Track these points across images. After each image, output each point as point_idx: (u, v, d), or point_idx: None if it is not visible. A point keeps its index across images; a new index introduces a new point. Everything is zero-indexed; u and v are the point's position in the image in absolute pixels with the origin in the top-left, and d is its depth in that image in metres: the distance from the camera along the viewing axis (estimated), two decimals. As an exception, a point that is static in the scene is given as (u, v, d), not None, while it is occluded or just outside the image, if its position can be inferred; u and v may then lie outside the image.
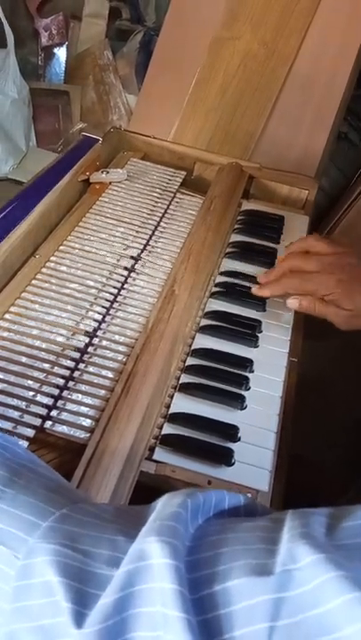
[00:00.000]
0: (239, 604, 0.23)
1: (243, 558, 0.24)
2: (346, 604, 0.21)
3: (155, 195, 0.78)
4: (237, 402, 0.54)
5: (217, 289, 0.66)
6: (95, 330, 0.57)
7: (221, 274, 0.69)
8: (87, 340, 0.55)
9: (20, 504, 0.29)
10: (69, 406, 0.49)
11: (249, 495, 0.47)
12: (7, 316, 0.56)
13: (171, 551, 0.24)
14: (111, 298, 0.61)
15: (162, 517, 0.27)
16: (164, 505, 0.28)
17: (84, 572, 0.26)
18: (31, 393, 0.50)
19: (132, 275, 0.65)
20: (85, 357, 0.54)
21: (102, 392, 0.51)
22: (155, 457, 0.48)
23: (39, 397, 0.49)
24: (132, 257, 0.67)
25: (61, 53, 1.62)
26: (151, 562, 0.24)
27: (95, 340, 0.56)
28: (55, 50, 1.61)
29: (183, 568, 0.24)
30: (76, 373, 0.52)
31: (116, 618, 0.24)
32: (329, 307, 0.59)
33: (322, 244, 0.62)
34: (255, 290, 0.64)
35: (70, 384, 0.51)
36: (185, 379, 0.55)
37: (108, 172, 0.78)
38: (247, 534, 0.26)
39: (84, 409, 0.49)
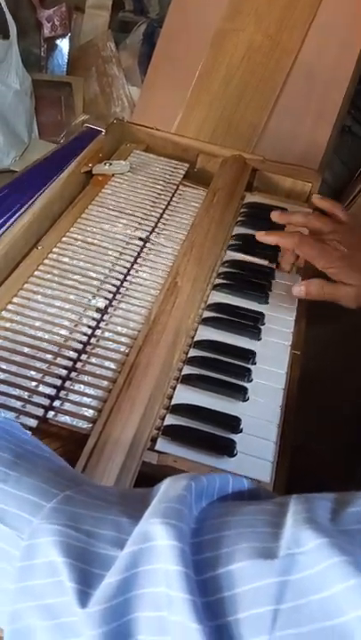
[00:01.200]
0: (243, 586, 0.23)
1: (246, 541, 0.24)
2: (349, 589, 0.21)
3: (158, 187, 0.78)
4: (240, 393, 0.54)
5: (220, 281, 0.66)
6: (98, 321, 0.57)
7: (224, 266, 0.69)
8: (90, 331, 0.55)
9: (24, 486, 0.30)
10: (72, 397, 0.49)
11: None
12: (10, 307, 0.56)
13: (175, 533, 0.24)
14: (114, 289, 0.61)
15: (166, 500, 0.27)
16: (168, 487, 0.28)
17: (88, 553, 0.26)
18: (34, 383, 0.50)
19: (135, 266, 0.65)
20: (88, 348, 0.54)
21: (105, 383, 0.51)
22: (157, 447, 0.49)
23: (42, 388, 0.50)
24: (134, 249, 0.67)
25: (64, 45, 1.61)
26: (156, 543, 0.25)
27: (98, 332, 0.56)
28: (58, 41, 1.61)
29: (188, 550, 0.24)
30: (79, 364, 0.52)
31: (120, 598, 0.24)
32: (338, 287, 0.59)
33: (340, 210, 0.63)
34: (260, 235, 0.64)
35: (73, 375, 0.51)
36: (187, 370, 0.56)
37: (110, 164, 0.78)
38: (251, 517, 0.26)
39: (86, 399, 0.49)
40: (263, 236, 0.65)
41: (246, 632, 0.22)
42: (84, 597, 0.25)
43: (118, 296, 0.60)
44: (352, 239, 0.61)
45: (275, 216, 0.68)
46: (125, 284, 0.62)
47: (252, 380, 0.56)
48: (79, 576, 0.25)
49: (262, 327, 0.62)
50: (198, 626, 0.22)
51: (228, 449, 0.49)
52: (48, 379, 0.50)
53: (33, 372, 0.51)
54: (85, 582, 0.25)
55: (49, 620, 0.26)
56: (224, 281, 0.66)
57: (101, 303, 0.59)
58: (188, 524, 0.26)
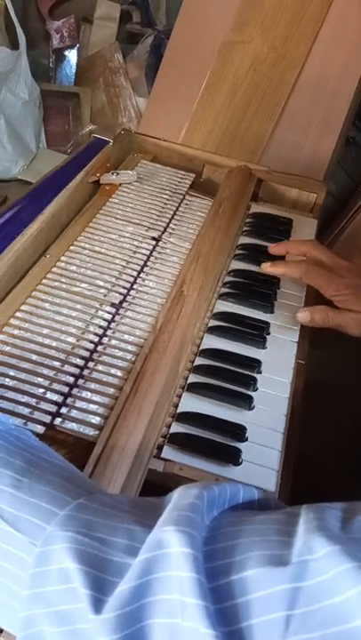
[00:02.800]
0: (256, 593, 0.23)
1: (259, 549, 0.24)
2: None
3: (164, 196, 0.79)
4: (245, 402, 0.54)
5: (225, 290, 0.67)
6: (105, 329, 0.57)
7: (230, 275, 0.70)
8: (96, 339, 0.56)
9: (37, 493, 0.30)
10: (79, 404, 0.50)
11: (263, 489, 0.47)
12: (18, 314, 0.57)
13: (188, 540, 0.25)
14: (121, 298, 0.61)
15: (179, 508, 0.27)
16: (181, 496, 0.28)
17: (102, 560, 0.26)
18: (41, 390, 0.50)
19: (142, 275, 0.65)
20: (95, 356, 0.54)
21: (111, 390, 0.51)
22: (163, 455, 0.49)
23: (49, 395, 0.50)
24: (141, 258, 0.67)
25: (72, 55, 1.63)
26: (169, 550, 0.25)
27: (105, 340, 0.56)
28: (66, 52, 1.62)
29: (201, 557, 0.25)
30: (86, 372, 0.53)
31: (134, 605, 0.24)
32: (342, 314, 0.59)
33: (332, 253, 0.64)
34: (266, 267, 0.65)
35: (80, 382, 0.52)
36: (193, 378, 0.56)
37: (118, 174, 0.79)
38: (263, 526, 0.26)
39: (93, 407, 0.50)
40: (269, 268, 0.65)
41: (259, 638, 0.22)
42: (97, 604, 0.25)
43: (125, 304, 0.61)
44: (355, 268, 0.62)
45: (273, 249, 0.68)
46: (132, 292, 0.63)
47: (257, 389, 0.56)
48: (93, 583, 0.26)
49: (268, 336, 0.62)
50: (211, 632, 0.22)
51: (233, 457, 0.49)
52: (55, 386, 0.51)
53: (40, 379, 0.51)
54: (99, 589, 0.25)
55: (62, 627, 0.26)
56: (230, 290, 0.67)
57: (108, 311, 0.59)
58: (200, 532, 0.26)
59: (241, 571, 0.24)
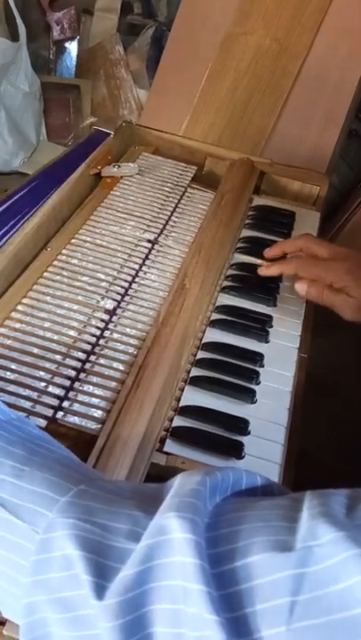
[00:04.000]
0: (260, 579, 0.23)
1: (263, 535, 0.24)
2: None
3: (166, 189, 0.78)
4: (248, 396, 0.54)
5: (228, 283, 0.67)
6: (106, 322, 0.57)
7: (232, 268, 0.69)
8: (98, 332, 0.56)
9: (38, 481, 0.30)
10: (81, 397, 0.50)
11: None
12: (19, 307, 0.57)
13: (191, 526, 0.25)
14: (122, 291, 0.61)
15: (181, 494, 0.27)
16: (183, 482, 0.28)
17: (104, 546, 0.26)
18: (43, 384, 0.50)
19: (144, 268, 0.65)
20: (97, 350, 0.54)
21: (113, 384, 0.51)
22: (165, 449, 0.49)
23: (51, 388, 0.50)
24: (143, 251, 0.67)
25: (73, 47, 1.62)
26: (171, 536, 0.25)
27: (106, 333, 0.56)
28: (67, 44, 1.61)
29: (203, 543, 0.24)
30: (88, 365, 0.52)
31: (136, 590, 0.24)
32: (337, 295, 0.59)
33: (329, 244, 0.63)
34: (262, 270, 0.65)
35: (82, 376, 0.52)
36: (195, 372, 0.56)
37: (119, 166, 0.78)
38: (266, 512, 0.26)
39: (95, 400, 0.50)
40: (265, 271, 0.65)
41: (263, 623, 0.22)
42: (100, 590, 0.25)
43: (127, 298, 0.61)
44: (353, 253, 0.61)
45: (268, 253, 0.67)
46: (134, 285, 0.62)
47: (260, 383, 0.56)
48: (95, 569, 0.26)
49: (270, 330, 0.62)
50: (215, 617, 0.22)
51: (236, 451, 0.49)
52: (57, 379, 0.51)
53: (42, 373, 0.51)
54: (101, 575, 0.25)
55: (65, 613, 0.26)
56: (232, 283, 0.67)
57: (110, 304, 0.59)
58: (202, 518, 0.26)
59: (245, 557, 0.24)
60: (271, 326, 0.62)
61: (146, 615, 0.24)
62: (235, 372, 0.56)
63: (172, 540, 0.25)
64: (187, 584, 0.24)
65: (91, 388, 0.51)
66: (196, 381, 0.55)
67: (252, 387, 0.55)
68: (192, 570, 0.24)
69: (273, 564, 0.23)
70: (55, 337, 0.54)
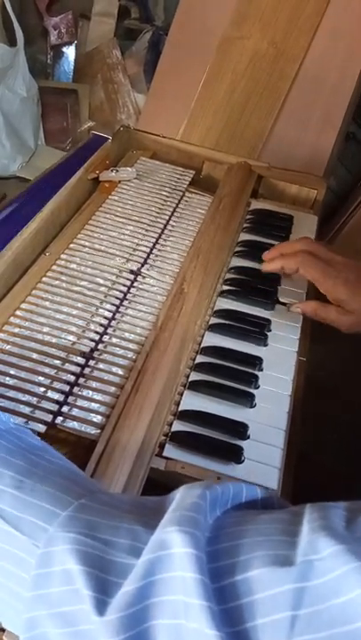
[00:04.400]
0: (261, 593, 0.23)
1: (263, 549, 0.24)
2: None
3: (164, 193, 0.79)
4: (247, 400, 0.54)
5: (226, 287, 0.67)
6: (105, 327, 0.57)
7: (230, 272, 0.69)
8: (97, 337, 0.56)
9: (39, 493, 0.30)
10: (80, 402, 0.50)
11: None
12: (18, 312, 0.57)
13: (192, 541, 0.25)
14: (121, 296, 0.61)
15: (182, 508, 0.27)
16: (183, 496, 0.28)
17: (105, 561, 0.26)
18: (42, 389, 0.50)
19: (142, 273, 0.65)
20: (95, 354, 0.54)
21: (112, 389, 0.51)
22: (165, 454, 0.49)
23: (50, 393, 0.50)
24: (141, 255, 0.67)
25: (70, 52, 1.63)
26: (172, 551, 0.25)
27: (105, 338, 0.56)
28: (64, 48, 1.62)
29: (204, 558, 0.24)
30: (87, 370, 0.52)
31: (137, 606, 0.24)
32: (331, 312, 0.59)
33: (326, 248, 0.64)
34: (265, 266, 0.65)
35: (81, 381, 0.52)
36: (194, 376, 0.56)
37: (117, 171, 0.79)
38: (266, 526, 0.26)
39: (94, 405, 0.50)
40: (267, 266, 0.65)
41: (264, 638, 0.22)
42: (101, 605, 0.25)
43: (125, 302, 0.61)
44: (351, 265, 0.61)
45: (267, 256, 0.66)
46: (132, 290, 0.62)
47: (259, 387, 0.56)
48: (96, 584, 0.25)
49: (269, 334, 0.62)
50: (216, 632, 0.22)
51: (235, 455, 0.49)
52: (56, 384, 0.51)
53: (41, 378, 0.51)
54: (102, 590, 0.25)
55: (66, 628, 0.26)
56: (230, 287, 0.67)
57: (109, 309, 0.59)
58: (203, 532, 0.26)
59: (245, 571, 0.24)
60: (270, 330, 0.62)
61: (147, 631, 0.24)
62: (234, 377, 0.56)
63: (173, 555, 0.25)
64: (188, 599, 0.24)
65: (90, 392, 0.51)
66: (196, 386, 0.55)
67: (251, 391, 0.55)
68: (193, 585, 0.24)
69: (274, 579, 0.23)
70: (54, 342, 0.54)
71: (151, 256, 0.67)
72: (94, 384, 0.51)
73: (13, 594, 0.29)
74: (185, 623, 0.23)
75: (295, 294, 0.67)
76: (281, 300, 0.66)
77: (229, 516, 0.28)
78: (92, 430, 0.48)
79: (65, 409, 0.49)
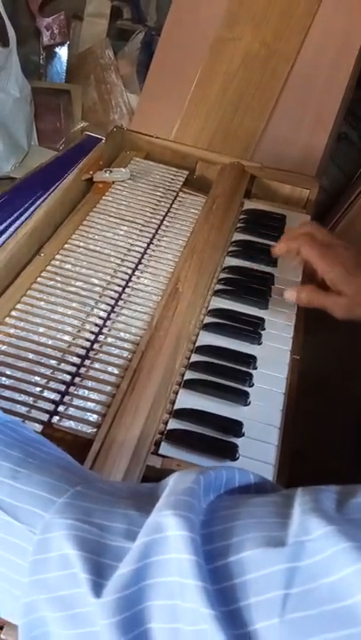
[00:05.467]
0: (254, 573, 0.24)
1: (255, 531, 0.25)
2: (357, 573, 0.22)
3: (158, 194, 0.79)
4: (241, 398, 0.54)
5: (220, 287, 0.67)
6: (100, 327, 0.58)
7: (224, 272, 0.70)
8: (93, 337, 0.56)
9: (35, 482, 0.31)
10: (76, 402, 0.50)
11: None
12: (13, 313, 0.57)
13: (186, 524, 0.25)
14: (116, 295, 0.62)
15: (176, 492, 0.28)
16: (177, 481, 0.29)
17: (101, 545, 0.27)
18: (38, 389, 0.50)
19: (137, 273, 0.65)
20: (91, 354, 0.55)
21: (108, 388, 0.52)
22: (160, 451, 0.49)
23: (46, 393, 0.50)
24: (135, 255, 0.67)
25: (63, 52, 1.62)
26: (167, 534, 0.25)
27: (101, 337, 0.56)
28: (57, 49, 1.62)
29: (199, 540, 0.25)
30: (82, 370, 0.53)
31: (133, 587, 0.25)
32: (328, 297, 0.60)
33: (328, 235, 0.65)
34: (274, 250, 0.66)
35: (77, 380, 0.52)
36: (189, 375, 0.56)
37: (111, 172, 0.79)
38: (259, 508, 0.27)
39: (90, 404, 0.50)
40: (275, 250, 0.66)
41: (258, 616, 0.23)
42: (97, 588, 0.25)
43: (120, 302, 0.61)
44: (350, 251, 0.62)
45: (275, 251, 0.67)
46: (127, 290, 0.63)
47: (253, 385, 0.56)
48: (93, 567, 0.26)
49: (263, 332, 0.62)
50: (211, 611, 0.23)
51: (230, 452, 0.50)
52: (52, 384, 0.51)
53: (37, 378, 0.51)
54: (99, 573, 0.26)
55: (63, 612, 0.26)
56: (224, 287, 0.67)
57: (104, 309, 0.59)
58: (197, 515, 0.26)
59: (238, 552, 0.24)
60: (264, 329, 0.63)
61: (143, 611, 0.25)
62: (228, 375, 0.56)
63: (168, 538, 0.25)
64: (183, 580, 0.24)
65: (86, 392, 0.51)
66: (191, 384, 0.55)
67: (246, 389, 0.56)
68: (188, 566, 0.24)
69: (266, 559, 0.24)
70: (50, 342, 0.55)
71: (145, 256, 0.68)
72: (90, 383, 0.52)
73: (11, 581, 0.29)
74: (180, 603, 0.24)
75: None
76: (274, 298, 0.67)
77: (223, 500, 0.29)
78: (89, 429, 0.48)
79: (61, 408, 0.49)
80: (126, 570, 0.25)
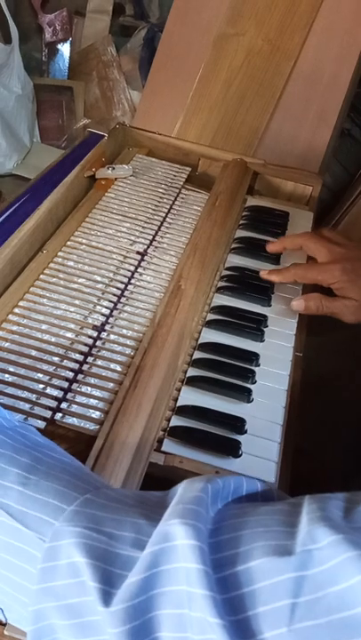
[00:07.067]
0: (262, 582, 0.24)
1: (263, 540, 0.25)
2: None
3: (160, 190, 0.79)
4: (244, 395, 0.54)
5: (223, 284, 0.67)
6: (103, 324, 0.58)
7: (227, 269, 0.70)
8: (95, 334, 0.56)
9: (44, 489, 0.30)
10: (79, 399, 0.50)
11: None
12: (16, 310, 0.57)
13: (194, 533, 0.25)
14: (118, 292, 0.62)
15: (184, 501, 0.27)
16: (186, 490, 0.29)
17: (110, 554, 0.27)
18: (41, 386, 0.50)
19: (139, 270, 0.65)
20: (94, 351, 0.55)
21: (111, 385, 0.52)
22: (163, 448, 0.49)
23: (49, 390, 0.50)
24: (138, 252, 0.67)
25: (65, 49, 1.62)
26: (176, 543, 0.25)
27: (103, 334, 0.56)
28: (59, 46, 1.61)
29: (207, 549, 0.25)
30: (85, 367, 0.53)
31: (142, 596, 0.25)
32: (336, 301, 0.60)
33: (335, 234, 0.64)
34: (264, 273, 0.66)
35: (79, 377, 0.52)
36: (192, 372, 0.56)
37: (113, 168, 0.79)
38: (266, 517, 0.26)
39: (93, 401, 0.50)
40: (265, 276, 0.66)
41: (266, 625, 0.23)
42: (106, 597, 0.25)
43: (123, 299, 0.61)
44: (350, 253, 0.62)
45: (270, 248, 0.69)
46: (130, 287, 0.63)
47: (255, 382, 0.56)
48: (101, 576, 0.26)
49: (265, 329, 0.62)
50: (219, 620, 0.23)
51: (233, 450, 0.50)
52: (55, 381, 0.51)
53: (40, 375, 0.51)
54: (108, 582, 0.26)
55: (72, 620, 0.26)
56: (227, 284, 0.67)
57: (106, 306, 0.59)
58: (205, 524, 0.26)
59: (246, 561, 0.24)
60: (266, 326, 0.63)
61: (152, 620, 0.25)
62: (231, 372, 0.56)
63: (176, 547, 0.25)
64: (191, 589, 0.24)
65: (89, 389, 0.51)
66: (193, 381, 0.55)
67: (249, 386, 0.56)
68: (196, 575, 0.24)
69: (274, 568, 0.24)
70: (52, 339, 0.55)
71: (148, 253, 0.68)
72: (93, 380, 0.52)
73: (20, 587, 0.29)
74: (188, 612, 0.24)
75: (292, 290, 0.68)
76: (277, 295, 0.67)
77: (230, 508, 0.29)
78: (91, 426, 0.48)
79: (64, 405, 0.49)
80: (135, 579, 0.25)
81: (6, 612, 0.31)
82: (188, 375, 0.56)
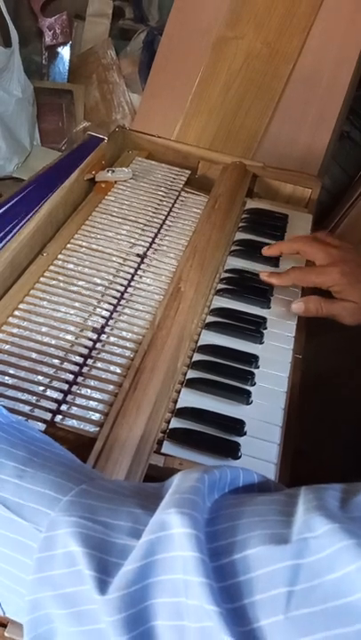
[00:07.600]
0: (258, 570, 0.24)
1: (260, 529, 0.25)
2: (360, 570, 0.22)
3: (160, 193, 0.79)
4: (243, 397, 0.55)
5: (222, 286, 0.67)
6: (103, 326, 0.58)
7: (226, 271, 0.70)
8: (95, 336, 0.56)
9: (40, 481, 0.31)
10: (79, 401, 0.50)
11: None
12: (16, 312, 0.57)
13: (190, 522, 0.25)
14: (118, 295, 0.62)
15: (181, 491, 0.28)
16: (182, 480, 0.29)
17: (106, 543, 0.27)
18: (41, 388, 0.51)
19: (139, 272, 0.66)
20: (94, 353, 0.55)
21: (111, 387, 0.52)
22: (163, 450, 0.49)
23: (49, 392, 0.50)
24: (138, 255, 0.68)
25: (65, 52, 1.63)
26: (172, 532, 0.26)
27: (103, 337, 0.57)
28: (59, 49, 1.62)
29: (203, 538, 0.25)
30: (85, 369, 0.53)
31: (138, 585, 0.25)
32: (335, 304, 0.60)
33: (331, 238, 0.65)
34: (264, 275, 0.66)
35: (79, 379, 0.52)
36: (191, 374, 0.56)
37: (113, 171, 0.79)
38: (263, 507, 0.27)
39: (93, 403, 0.50)
40: (265, 279, 0.67)
41: (262, 613, 0.23)
42: (102, 585, 0.26)
43: (123, 301, 0.61)
44: (348, 255, 0.63)
45: (266, 252, 0.69)
46: (129, 289, 0.63)
47: (255, 384, 0.57)
48: (98, 565, 0.26)
49: (265, 331, 0.62)
50: (216, 608, 0.23)
51: (232, 451, 0.50)
52: (55, 383, 0.51)
53: (40, 377, 0.52)
54: (104, 571, 0.26)
55: (68, 608, 0.27)
56: (226, 286, 0.67)
57: (106, 308, 0.60)
58: (202, 513, 0.27)
59: (243, 550, 0.25)
60: (265, 328, 0.63)
61: (148, 609, 0.25)
62: (230, 374, 0.57)
63: (172, 536, 0.26)
64: (188, 577, 0.24)
65: (88, 391, 0.51)
66: (193, 383, 0.55)
67: (248, 388, 0.56)
68: (193, 563, 0.24)
69: (270, 556, 0.24)
70: (53, 341, 0.55)
71: (148, 255, 0.68)
72: (93, 382, 0.52)
73: (16, 579, 0.29)
74: (185, 600, 0.24)
75: (291, 292, 0.68)
76: (276, 297, 0.67)
77: (227, 498, 0.29)
78: (91, 428, 0.48)
79: (64, 407, 0.50)
80: (131, 567, 0.25)
81: (4, 604, 0.31)
82: (187, 377, 0.56)
